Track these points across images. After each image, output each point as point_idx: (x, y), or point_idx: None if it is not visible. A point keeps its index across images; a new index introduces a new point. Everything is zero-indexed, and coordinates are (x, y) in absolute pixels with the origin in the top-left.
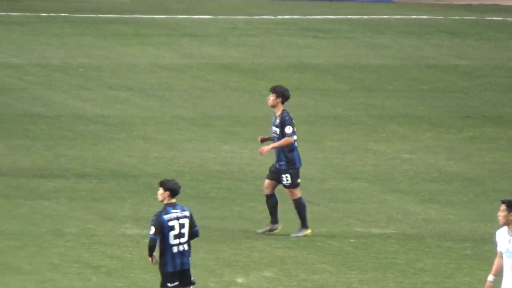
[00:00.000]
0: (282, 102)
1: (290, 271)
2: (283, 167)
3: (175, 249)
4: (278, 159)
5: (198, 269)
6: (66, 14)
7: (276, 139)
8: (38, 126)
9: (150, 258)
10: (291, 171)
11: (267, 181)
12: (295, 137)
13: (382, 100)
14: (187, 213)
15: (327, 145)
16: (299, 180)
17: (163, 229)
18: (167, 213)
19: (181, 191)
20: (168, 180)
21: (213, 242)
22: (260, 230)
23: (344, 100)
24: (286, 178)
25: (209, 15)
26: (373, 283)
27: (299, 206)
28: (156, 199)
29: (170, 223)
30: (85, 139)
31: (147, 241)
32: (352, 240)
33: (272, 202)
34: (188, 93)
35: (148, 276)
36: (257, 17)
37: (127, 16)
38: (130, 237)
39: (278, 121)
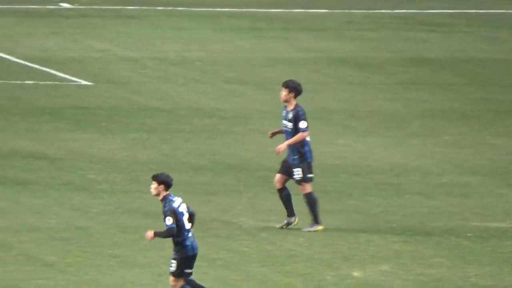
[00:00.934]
0: (295, 97)
1: (406, 265)
2: (295, 161)
3: (190, 233)
4: (291, 154)
5: (314, 263)
6: (184, 8)
7: (287, 133)
8: (154, 119)
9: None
10: (302, 165)
11: (278, 175)
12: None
13: (500, 95)
14: (181, 199)
15: (444, 139)
16: (310, 175)
17: (177, 216)
18: (173, 201)
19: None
20: (160, 174)
21: (329, 236)
22: (278, 225)
23: (461, 94)
24: (297, 173)
25: (325, 9)
26: (490, 277)
27: (311, 201)
28: (273, 192)
29: (180, 209)
30: (201, 132)
31: (263, 234)
32: (468, 234)
33: (285, 196)
34: (304, 87)
35: (266, 269)
36: (374, 11)
37: (244, 10)
38: (246, 230)
39: (291, 115)
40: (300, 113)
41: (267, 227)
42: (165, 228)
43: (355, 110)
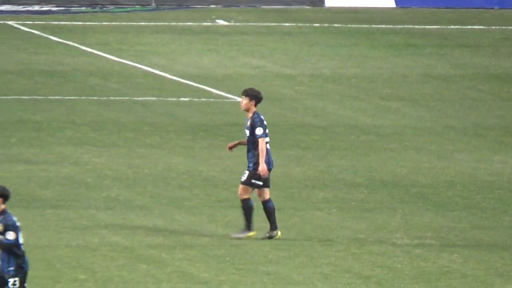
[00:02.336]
0: (255, 105)
1: None
2: (250, 168)
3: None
4: (248, 160)
5: (468, 279)
6: (340, 25)
7: (249, 143)
8: (310, 136)
9: None
10: (253, 171)
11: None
12: (267, 139)
13: None
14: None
15: None
16: (259, 183)
17: (17, 231)
18: (12, 215)
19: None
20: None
21: (484, 252)
22: (260, 237)
23: None
24: (244, 174)
25: (481, 25)
26: None
27: (245, 207)
28: (429, 209)
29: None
30: (356, 149)
31: (418, 250)
32: None
33: (268, 208)
34: (460, 104)
35: (419, 286)
36: None
37: (400, 26)
38: (400, 247)
39: (249, 123)
40: (256, 120)
41: (422, 243)
42: (5, 242)
43: (511, 126)
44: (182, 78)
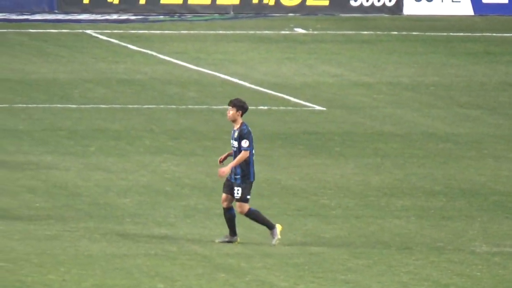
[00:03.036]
0: (241, 115)
1: None
2: (238, 181)
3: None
4: (234, 172)
5: None
6: (417, 33)
7: (234, 153)
8: (388, 144)
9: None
10: (244, 185)
11: (224, 195)
12: (253, 151)
13: None
14: None
15: None
16: (249, 197)
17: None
18: None
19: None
20: None
21: None
22: (217, 240)
23: None
24: (237, 192)
25: None
26: None
27: (253, 216)
28: (508, 217)
29: None
30: (435, 157)
31: (496, 258)
32: None
33: (228, 215)
34: None
35: None
36: None
37: (478, 34)
38: (479, 255)
39: (236, 134)
40: (245, 131)
41: (500, 251)
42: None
43: None
44: (260, 87)
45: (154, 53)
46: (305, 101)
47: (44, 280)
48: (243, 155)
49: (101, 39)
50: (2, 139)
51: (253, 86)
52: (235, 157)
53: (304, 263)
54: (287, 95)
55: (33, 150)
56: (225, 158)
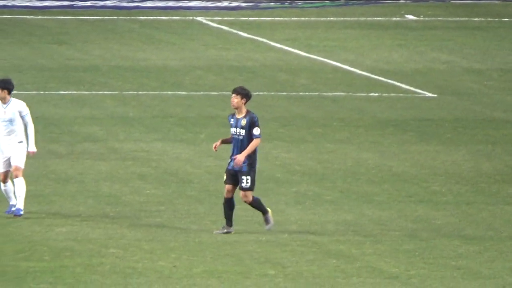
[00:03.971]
0: (245, 103)
1: None
2: (244, 169)
3: None
4: (246, 159)
5: None
6: None
7: (238, 141)
8: (499, 131)
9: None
10: (252, 174)
11: (228, 186)
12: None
13: None
14: None
15: None
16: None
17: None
18: None
19: None
20: None
21: None
22: (215, 232)
23: None
24: (247, 181)
25: None
26: None
27: (255, 205)
28: None
29: None
30: None
31: None
32: None
33: (229, 205)
34: None
35: None
36: None
37: None
38: None
39: (244, 122)
40: (255, 119)
41: None
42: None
43: None
44: (371, 73)
45: (264, 40)
46: (416, 87)
47: (155, 267)
48: (256, 142)
49: (212, 26)
50: (113, 126)
51: (364, 72)
52: (238, 145)
53: (415, 249)
54: (398, 81)
55: (144, 137)
56: (220, 144)
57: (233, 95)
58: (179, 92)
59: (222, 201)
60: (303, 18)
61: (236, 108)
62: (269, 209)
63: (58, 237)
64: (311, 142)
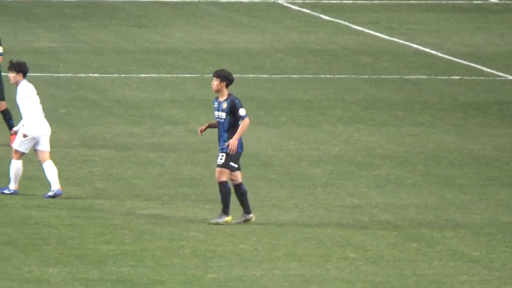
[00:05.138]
0: (227, 86)
1: None
2: (225, 149)
3: None
4: (222, 141)
5: None
6: None
7: (222, 125)
8: None
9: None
10: (230, 153)
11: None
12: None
13: None
14: None
15: None
16: (235, 165)
17: None
18: None
19: None
20: None
21: None
22: (234, 221)
23: None
24: (221, 157)
25: None
26: None
27: (223, 190)
28: None
29: None
30: None
31: None
32: None
33: (239, 192)
34: None
35: None
36: None
37: None
38: None
39: (225, 105)
40: (236, 101)
41: None
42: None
43: None
44: (453, 56)
45: (346, 23)
46: (497, 71)
47: (235, 250)
48: (245, 123)
49: (293, 9)
50: (194, 109)
51: (445, 55)
52: (220, 128)
53: (496, 233)
54: (479, 65)
55: None
56: (206, 128)
57: (214, 78)
58: (260, 75)
59: (303, 184)
60: (384, 1)
61: (217, 91)
62: (229, 217)
63: (139, 220)
64: (393, 125)
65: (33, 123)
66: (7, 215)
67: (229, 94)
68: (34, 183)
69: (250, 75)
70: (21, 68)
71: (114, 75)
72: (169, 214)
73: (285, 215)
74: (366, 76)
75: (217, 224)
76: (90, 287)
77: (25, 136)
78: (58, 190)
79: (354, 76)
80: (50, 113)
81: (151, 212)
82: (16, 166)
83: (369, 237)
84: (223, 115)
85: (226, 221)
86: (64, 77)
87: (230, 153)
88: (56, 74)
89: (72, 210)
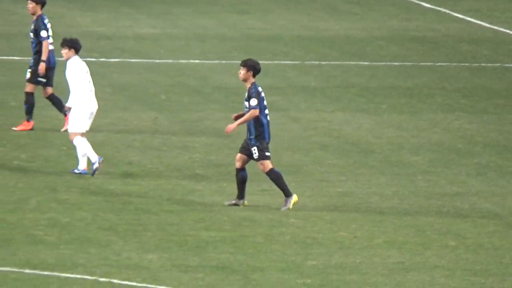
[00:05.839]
0: (254, 76)
1: None
2: (252, 142)
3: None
4: (248, 133)
5: None
6: None
7: (246, 113)
8: None
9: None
10: (258, 144)
11: (238, 155)
12: (266, 111)
13: None
14: None
15: None
16: (268, 153)
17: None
18: None
19: None
20: None
21: None
22: (226, 202)
23: None
24: (254, 151)
25: None
26: None
27: (275, 178)
28: None
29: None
30: None
31: None
32: None
33: (240, 176)
34: None
35: None
36: None
37: None
38: None
39: (246, 94)
40: (252, 90)
41: None
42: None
43: None
44: None
45: (447, 11)
46: None
47: (335, 237)
48: (252, 113)
49: None
50: (294, 95)
51: None
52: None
53: None
54: None
55: (325, 107)
56: (239, 116)
57: (241, 67)
58: (361, 62)
59: (403, 171)
60: None
61: (244, 81)
62: (294, 195)
63: (239, 207)
64: (493, 113)
65: (81, 99)
66: (107, 200)
67: (252, 83)
68: (135, 168)
69: (351, 62)
70: (73, 44)
71: (215, 61)
72: (269, 201)
73: (385, 202)
74: (467, 64)
75: (289, 209)
76: (189, 273)
77: (68, 108)
78: (84, 170)
79: (454, 64)
80: (150, 99)
81: (251, 198)
82: (79, 145)
83: (469, 225)
84: (246, 104)
85: (294, 203)
86: (165, 63)
87: (226, 132)
88: (157, 60)
89: (172, 196)
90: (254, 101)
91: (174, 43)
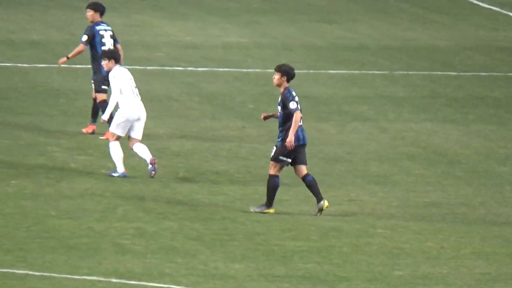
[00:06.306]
0: (288, 81)
1: None
2: (278, 143)
3: None
4: (280, 134)
5: None
6: None
7: (280, 118)
8: None
9: None
10: (280, 146)
11: (296, 166)
12: (301, 114)
13: None
14: None
15: None
16: (284, 159)
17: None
18: None
19: None
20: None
21: None
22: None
23: None
24: (273, 150)
25: None
26: None
27: (270, 185)
28: None
29: None
30: None
31: None
32: None
33: (308, 182)
34: None
35: None
36: None
37: None
38: None
39: (279, 99)
40: (287, 94)
41: None
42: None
43: None
44: None
45: None
46: None
47: (422, 247)
48: (296, 117)
49: (481, 7)
50: (382, 106)
51: None
52: (279, 122)
53: None
54: None
55: (413, 117)
56: (269, 116)
57: (275, 72)
58: (449, 73)
59: (490, 182)
60: None
61: (278, 86)
62: (271, 209)
63: (326, 216)
64: None
65: (126, 105)
66: (194, 210)
67: (285, 88)
68: (222, 177)
69: (439, 72)
70: (112, 55)
71: (303, 71)
72: (356, 211)
73: (472, 213)
74: None
75: (255, 212)
76: (276, 283)
77: (104, 121)
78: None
79: None
80: (238, 108)
81: (338, 208)
82: (114, 149)
83: None
84: (279, 108)
85: (266, 212)
86: (253, 73)
87: (289, 148)
88: (245, 69)
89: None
90: (293, 104)
91: (262, 52)
